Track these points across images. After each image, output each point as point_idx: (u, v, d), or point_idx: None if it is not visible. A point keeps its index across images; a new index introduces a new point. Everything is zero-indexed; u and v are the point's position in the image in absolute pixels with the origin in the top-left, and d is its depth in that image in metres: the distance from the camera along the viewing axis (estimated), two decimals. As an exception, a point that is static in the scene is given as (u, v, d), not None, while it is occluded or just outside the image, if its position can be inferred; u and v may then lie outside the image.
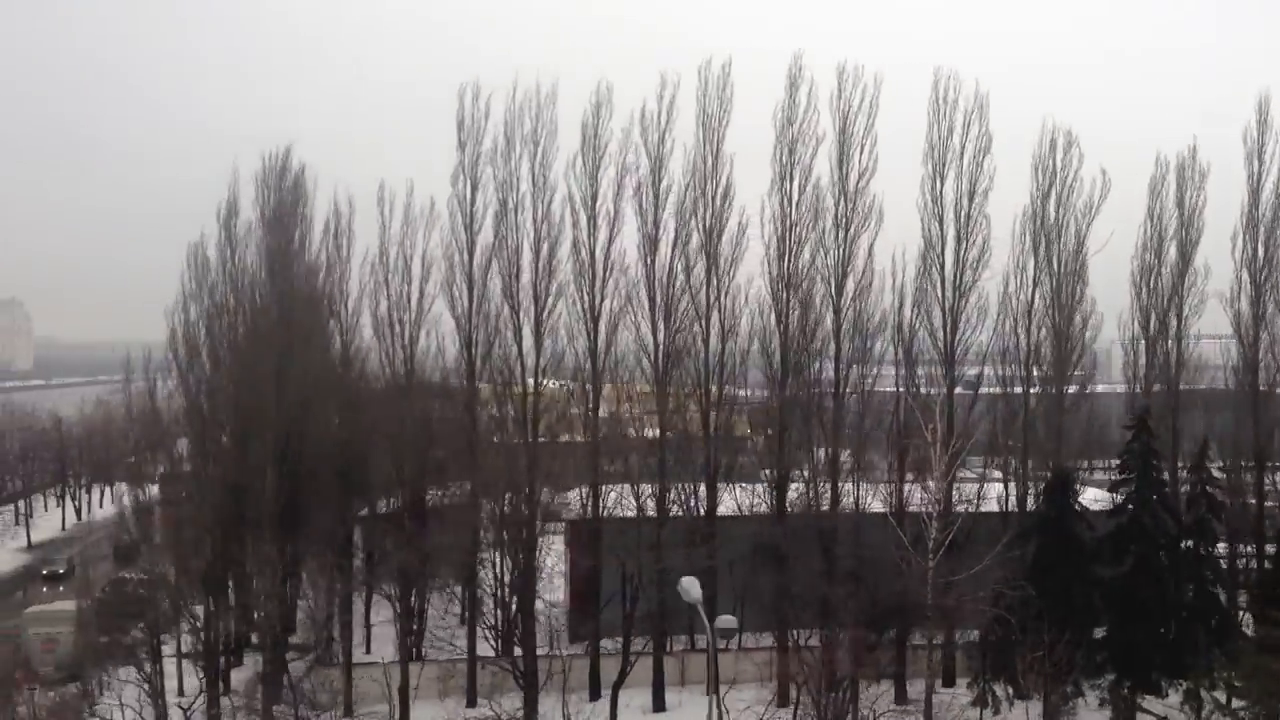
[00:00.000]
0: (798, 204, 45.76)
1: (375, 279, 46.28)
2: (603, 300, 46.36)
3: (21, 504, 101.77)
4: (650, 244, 45.59)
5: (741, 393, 51.52)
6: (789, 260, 45.35)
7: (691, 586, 19.30)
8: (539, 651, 51.02)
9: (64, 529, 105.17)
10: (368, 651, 53.33)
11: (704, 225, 45.99)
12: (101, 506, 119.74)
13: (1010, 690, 40.50)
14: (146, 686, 47.43)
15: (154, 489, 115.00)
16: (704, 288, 46.18)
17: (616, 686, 42.28)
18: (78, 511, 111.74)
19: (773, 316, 46.14)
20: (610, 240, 46.18)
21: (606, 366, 46.66)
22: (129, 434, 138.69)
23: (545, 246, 45.49)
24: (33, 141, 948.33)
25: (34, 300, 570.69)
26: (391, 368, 46.40)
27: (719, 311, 46.60)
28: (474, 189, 46.66)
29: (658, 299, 45.50)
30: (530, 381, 45.67)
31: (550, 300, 45.51)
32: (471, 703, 46.81)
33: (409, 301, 45.76)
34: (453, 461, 48.08)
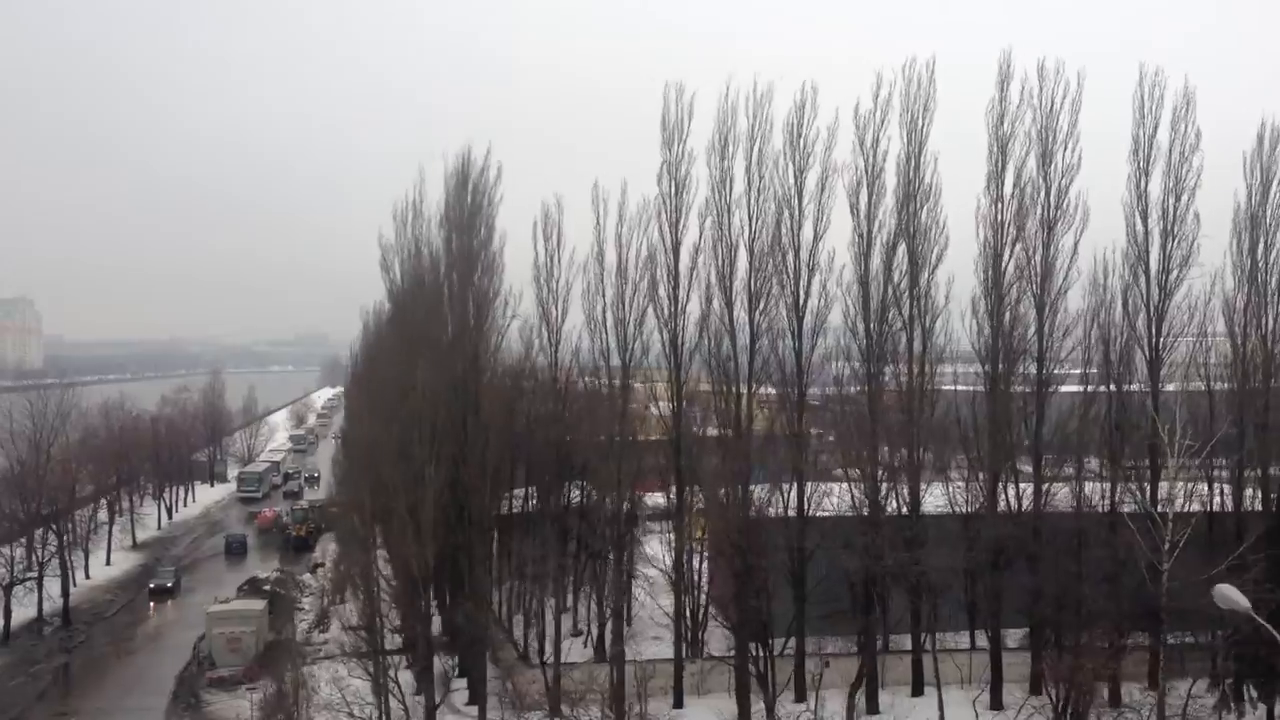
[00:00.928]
0: (1008, 203, 45.57)
1: (588, 278, 46.24)
2: (806, 299, 46.40)
3: (119, 502, 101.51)
4: (864, 243, 45.46)
5: (946, 388, 51.24)
6: (1006, 259, 45.19)
7: (1232, 594, 19.08)
8: (716, 652, 51.22)
9: (159, 527, 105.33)
10: (541, 652, 53.29)
11: (908, 224, 45.87)
12: (186, 505, 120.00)
13: (1256, 694, 40.30)
14: (350, 686, 47.56)
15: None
16: (909, 287, 46.09)
17: (854, 688, 42.10)
18: (169, 510, 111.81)
19: (984, 315, 45.97)
20: (816, 239, 46.19)
21: (811, 366, 46.71)
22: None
23: (759, 245, 45.40)
24: (43, 143, 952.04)
25: (38, 299, 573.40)
26: (607, 366, 46.20)
27: (919, 312, 46.56)
28: (678, 188, 46.55)
29: (872, 299, 45.38)
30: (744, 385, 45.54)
31: (763, 300, 45.43)
32: (678, 703, 46.72)
33: (624, 300, 45.58)
34: (657, 460, 47.97)
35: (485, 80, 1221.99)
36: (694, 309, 47.01)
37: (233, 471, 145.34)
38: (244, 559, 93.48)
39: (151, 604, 73.40)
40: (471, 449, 45.66)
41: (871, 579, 43.74)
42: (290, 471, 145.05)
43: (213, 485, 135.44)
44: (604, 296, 45.68)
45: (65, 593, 69.01)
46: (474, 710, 46.78)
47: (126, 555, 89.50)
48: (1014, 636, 49.26)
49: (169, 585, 76.11)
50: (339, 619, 64.90)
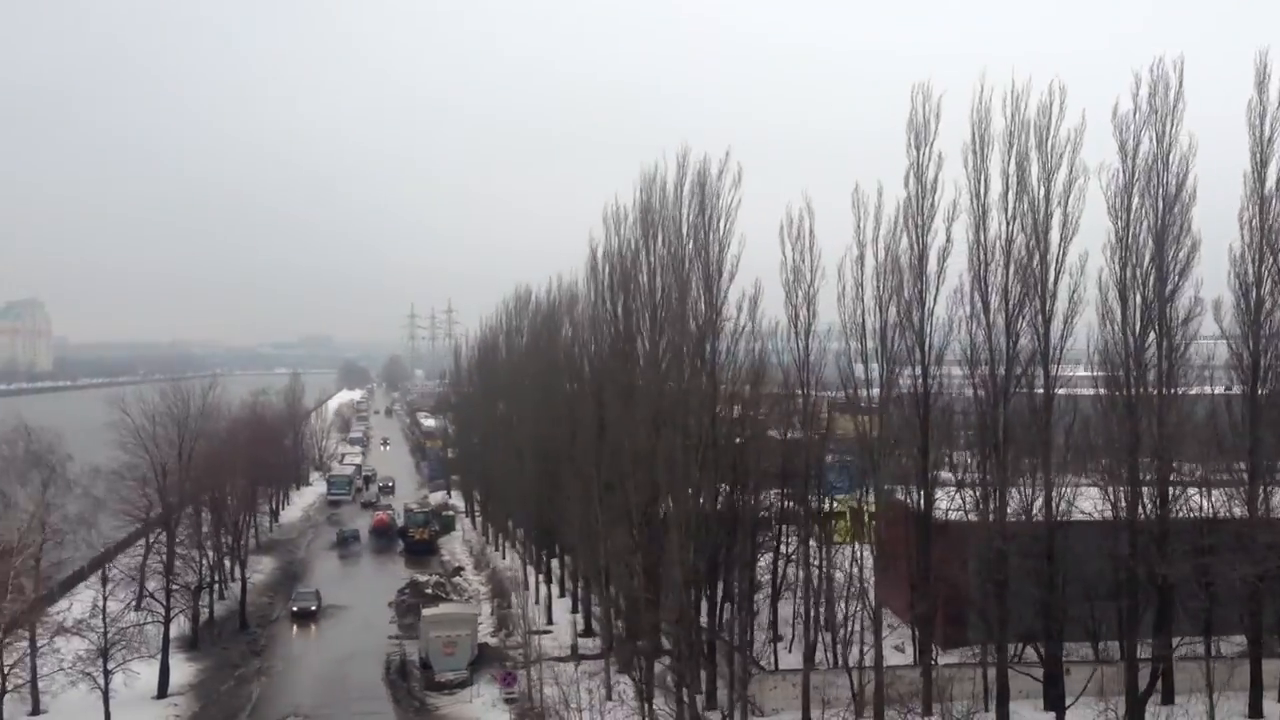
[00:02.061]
0: (1268, 203, 45.15)
1: (843, 281, 45.76)
2: (1054, 302, 46.02)
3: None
4: (1121, 247, 44.96)
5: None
6: (1270, 261, 44.82)
7: None
8: (945, 660, 50.81)
9: (270, 530, 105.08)
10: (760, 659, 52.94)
11: (1162, 229, 45.44)
12: (284, 508, 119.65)
13: None
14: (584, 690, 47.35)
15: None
16: (1159, 291, 45.67)
17: (1146, 696, 41.72)
18: (274, 513, 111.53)
19: (1240, 319, 45.68)
20: (1063, 242, 45.74)
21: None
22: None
23: (1016, 248, 45.02)
24: (42, 140, 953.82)
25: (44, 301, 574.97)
26: (865, 369, 45.90)
27: (1162, 316, 46.21)
28: (924, 191, 46.25)
29: (1132, 302, 45.00)
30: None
31: (1019, 306, 45.09)
32: (928, 710, 46.28)
33: (882, 304, 45.26)
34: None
35: (496, 84, 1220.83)
36: (939, 312, 46.89)
37: (311, 475, 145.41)
38: (359, 560, 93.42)
39: (294, 627, 69.32)
40: (720, 453, 45.39)
41: (1139, 584, 43.35)
42: (368, 474, 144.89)
43: (298, 488, 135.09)
44: (863, 300, 45.36)
45: (243, 595, 68.82)
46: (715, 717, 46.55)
47: (256, 559, 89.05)
48: (1234, 643, 49.18)
49: (313, 609, 71.18)
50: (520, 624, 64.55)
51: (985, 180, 45.55)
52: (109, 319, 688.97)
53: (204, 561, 65.14)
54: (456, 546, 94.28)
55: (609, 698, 49.36)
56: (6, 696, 44.51)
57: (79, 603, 53.26)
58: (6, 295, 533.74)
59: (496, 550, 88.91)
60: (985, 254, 45.37)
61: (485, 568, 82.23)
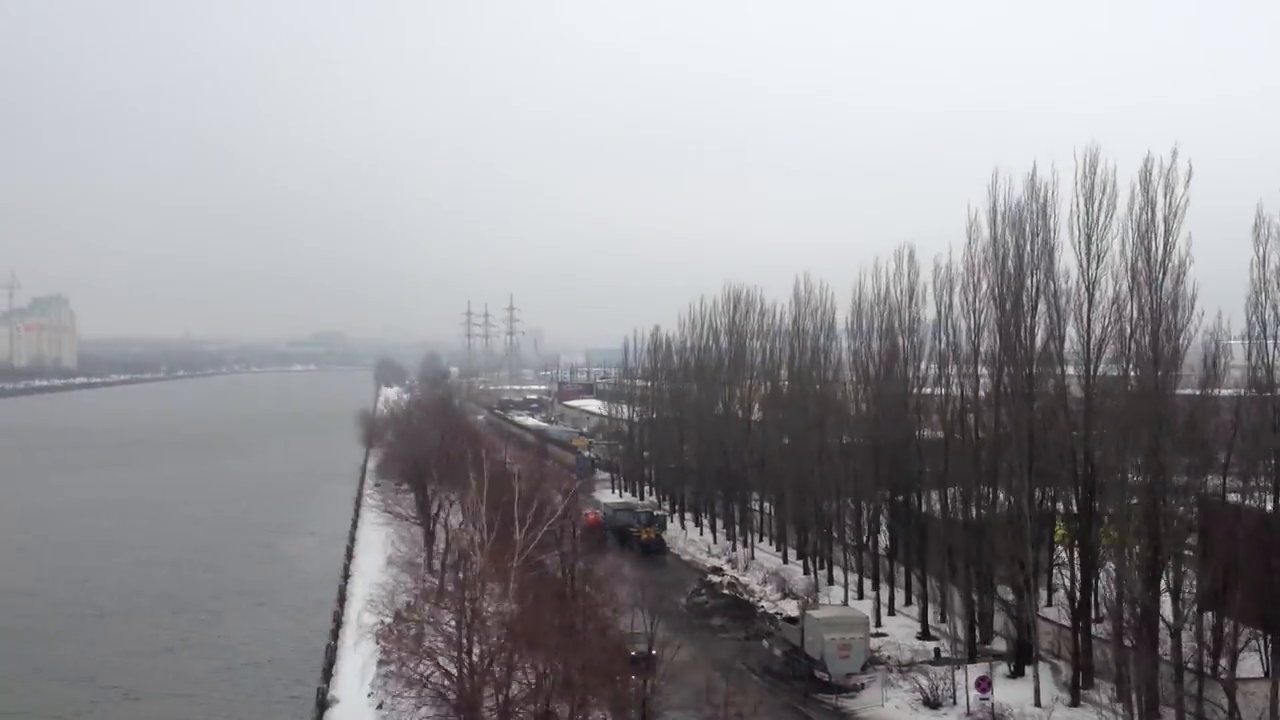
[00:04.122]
0: None
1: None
2: None
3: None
4: None
5: None
6: None
7: None
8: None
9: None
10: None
11: None
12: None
13: None
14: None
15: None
16: None
17: None
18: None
19: None
20: None
21: None
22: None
23: None
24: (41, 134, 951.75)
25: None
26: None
27: None
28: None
29: None
30: None
31: None
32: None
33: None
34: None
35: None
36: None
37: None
38: None
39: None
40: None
41: None
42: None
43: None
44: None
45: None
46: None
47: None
48: None
49: (652, 653, 56.55)
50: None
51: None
52: (121, 315, 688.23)
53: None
54: (686, 546, 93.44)
55: (1037, 703, 48.62)
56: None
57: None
58: (31, 292, 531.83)
59: (735, 551, 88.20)
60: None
61: (742, 567, 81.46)
